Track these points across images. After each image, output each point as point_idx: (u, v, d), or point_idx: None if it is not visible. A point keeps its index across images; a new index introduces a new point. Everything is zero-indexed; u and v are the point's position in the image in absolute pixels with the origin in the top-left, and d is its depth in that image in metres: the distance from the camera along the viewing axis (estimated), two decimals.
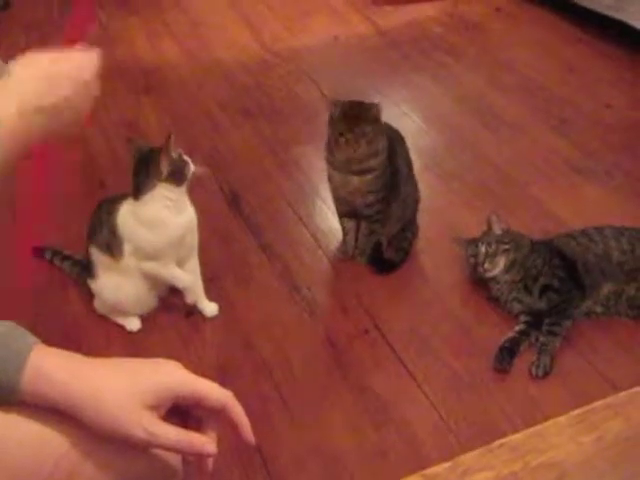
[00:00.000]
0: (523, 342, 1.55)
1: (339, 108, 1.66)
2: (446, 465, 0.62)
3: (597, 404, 0.66)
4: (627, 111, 2.42)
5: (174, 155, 1.54)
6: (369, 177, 1.70)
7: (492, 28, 3.07)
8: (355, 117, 1.64)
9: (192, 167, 1.57)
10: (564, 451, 0.63)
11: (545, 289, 1.60)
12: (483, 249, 1.63)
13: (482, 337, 1.60)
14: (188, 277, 1.64)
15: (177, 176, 1.55)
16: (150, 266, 1.59)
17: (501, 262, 1.63)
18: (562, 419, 0.65)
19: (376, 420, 1.43)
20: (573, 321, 1.58)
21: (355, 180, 1.71)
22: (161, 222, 1.55)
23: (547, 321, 1.56)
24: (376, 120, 1.67)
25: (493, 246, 1.63)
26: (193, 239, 1.63)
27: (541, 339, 1.54)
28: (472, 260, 1.67)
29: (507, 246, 1.63)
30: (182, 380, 0.70)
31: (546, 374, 1.49)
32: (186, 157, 1.58)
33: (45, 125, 0.84)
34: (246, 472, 1.34)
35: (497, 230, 1.65)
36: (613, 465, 0.63)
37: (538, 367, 1.50)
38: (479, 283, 1.72)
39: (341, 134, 1.64)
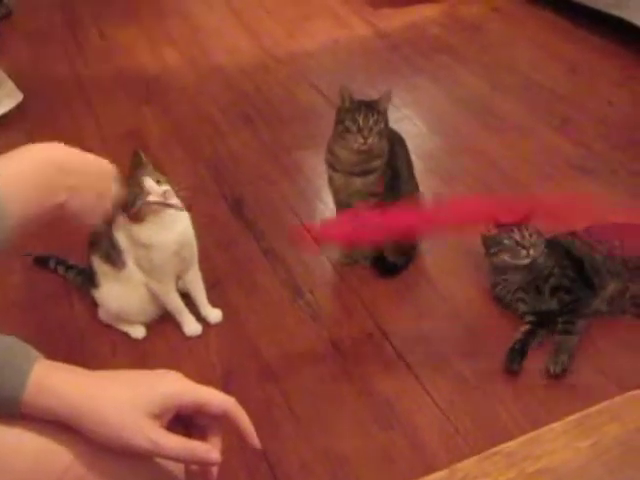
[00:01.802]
0: (531, 343, 1.55)
1: (349, 98, 1.66)
2: (442, 473, 0.62)
3: (592, 409, 0.66)
4: (630, 108, 2.42)
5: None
6: (371, 178, 1.70)
7: (491, 28, 3.06)
8: (368, 105, 1.65)
9: (148, 198, 1.45)
10: (560, 457, 0.63)
11: (556, 289, 1.60)
12: (527, 234, 1.59)
13: (488, 339, 1.60)
14: (181, 305, 1.64)
15: (129, 212, 1.47)
16: (148, 280, 1.59)
17: (538, 252, 1.60)
18: (557, 425, 0.65)
19: (383, 423, 1.43)
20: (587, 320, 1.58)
21: (357, 182, 1.71)
22: (149, 243, 1.53)
23: (561, 320, 1.56)
24: (385, 111, 1.68)
25: (534, 235, 1.60)
26: (191, 251, 1.61)
27: (557, 338, 1.54)
28: (508, 242, 1.59)
29: (542, 239, 1.61)
30: (183, 389, 0.71)
31: (564, 371, 1.49)
32: (148, 185, 1.45)
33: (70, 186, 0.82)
34: (253, 478, 1.34)
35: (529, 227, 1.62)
36: (609, 470, 0.63)
37: (556, 364, 1.49)
38: (483, 284, 1.72)
39: (354, 120, 1.63)
